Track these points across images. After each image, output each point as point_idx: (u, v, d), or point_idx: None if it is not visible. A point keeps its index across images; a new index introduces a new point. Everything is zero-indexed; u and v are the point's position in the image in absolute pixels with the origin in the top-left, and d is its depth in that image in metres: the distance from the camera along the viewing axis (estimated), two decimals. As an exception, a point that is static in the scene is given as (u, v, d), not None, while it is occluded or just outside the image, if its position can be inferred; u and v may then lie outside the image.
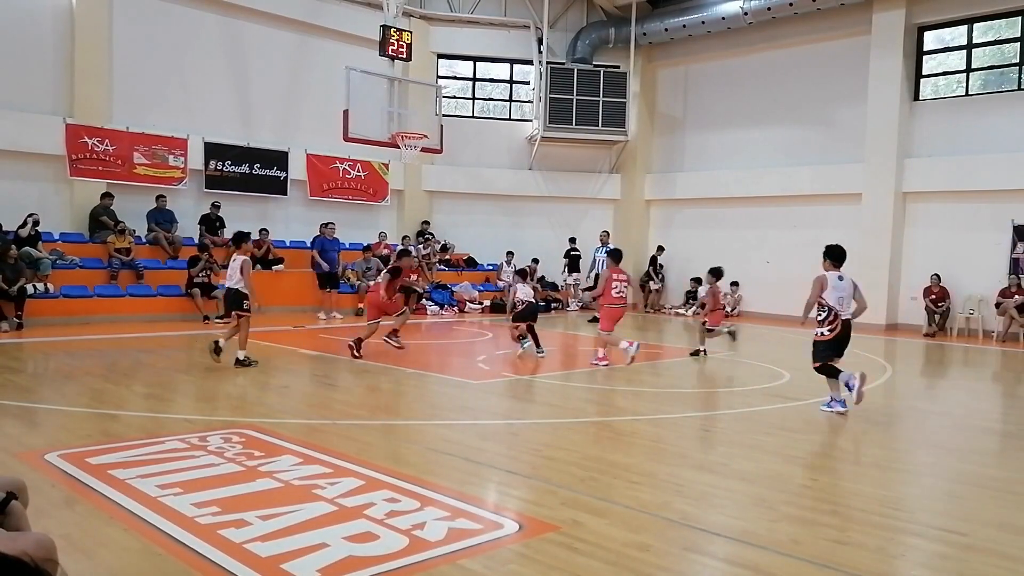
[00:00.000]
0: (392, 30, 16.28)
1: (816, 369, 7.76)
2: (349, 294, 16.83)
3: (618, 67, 20.70)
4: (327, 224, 16.78)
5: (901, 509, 4.81)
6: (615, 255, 11.21)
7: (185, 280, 14.39)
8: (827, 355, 7.70)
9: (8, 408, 6.86)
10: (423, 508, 4.40)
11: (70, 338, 11.46)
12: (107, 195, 15.19)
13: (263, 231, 16.80)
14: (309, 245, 17.09)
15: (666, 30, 20.07)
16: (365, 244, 18.06)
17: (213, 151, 16.88)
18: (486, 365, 10.41)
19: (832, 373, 7.64)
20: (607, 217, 21.55)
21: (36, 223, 13.68)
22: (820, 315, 7.81)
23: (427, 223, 20.46)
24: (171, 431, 6.09)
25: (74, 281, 13.63)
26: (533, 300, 11.76)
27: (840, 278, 7.75)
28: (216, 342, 9.40)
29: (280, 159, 17.89)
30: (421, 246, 19.41)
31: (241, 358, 9.48)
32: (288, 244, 17.69)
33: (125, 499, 4.41)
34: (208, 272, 14.53)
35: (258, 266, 16.39)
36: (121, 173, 15.51)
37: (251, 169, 17.47)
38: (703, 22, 19.23)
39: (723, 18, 18.80)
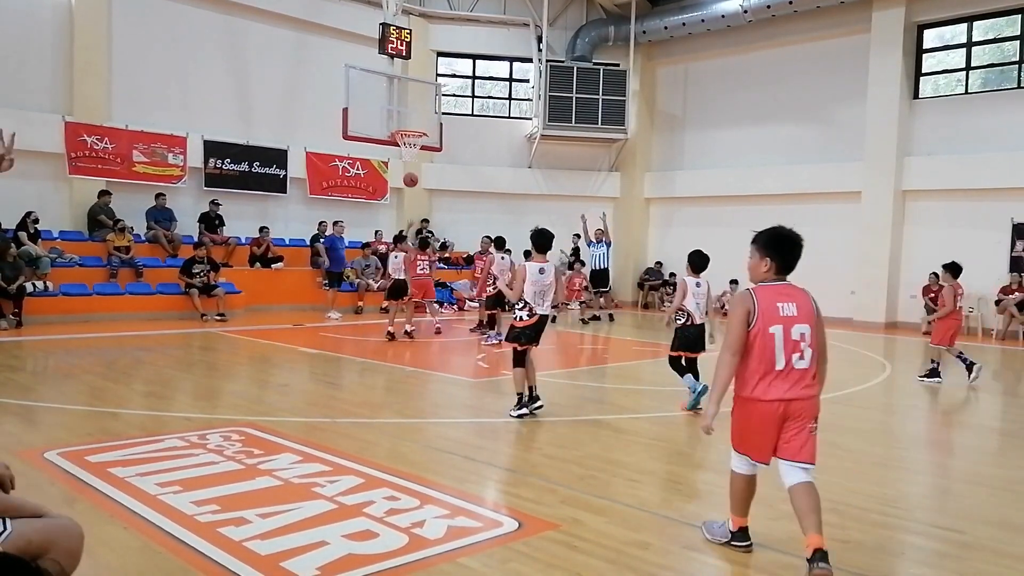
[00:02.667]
0: (392, 28, 16.26)
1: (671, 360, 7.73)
2: (348, 292, 16.82)
3: (618, 65, 20.69)
4: (336, 222, 16.75)
5: (900, 507, 4.81)
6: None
7: (183, 280, 14.38)
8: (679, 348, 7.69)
9: (8, 406, 6.86)
10: (423, 506, 4.40)
11: (69, 336, 11.46)
12: (106, 193, 15.17)
13: (263, 229, 16.80)
14: (309, 242, 17.05)
15: (666, 28, 20.06)
16: (364, 242, 18.05)
17: (212, 149, 16.87)
18: (485, 363, 10.41)
19: (680, 371, 7.59)
20: (607, 215, 21.50)
21: (35, 221, 13.66)
22: (679, 319, 7.90)
23: (426, 221, 20.45)
24: (171, 429, 6.09)
25: (73, 279, 13.62)
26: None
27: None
28: (406, 331, 11.92)
29: (279, 157, 17.88)
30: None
31: (409, 330, 12.05)
32: (288, 242, 17.68)
33: (125, 497, 4.41)
34: (206, 271, 14.50)
35: (257, 264, 16.41)
36: (120, 171, 15.50)
37: (250, 167, 17.46)
38: (703, 20, 19.21)
39: (723, 16, 18.79)
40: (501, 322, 12.29)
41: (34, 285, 12.77)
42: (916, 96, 17.31)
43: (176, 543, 3.80)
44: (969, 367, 9.79)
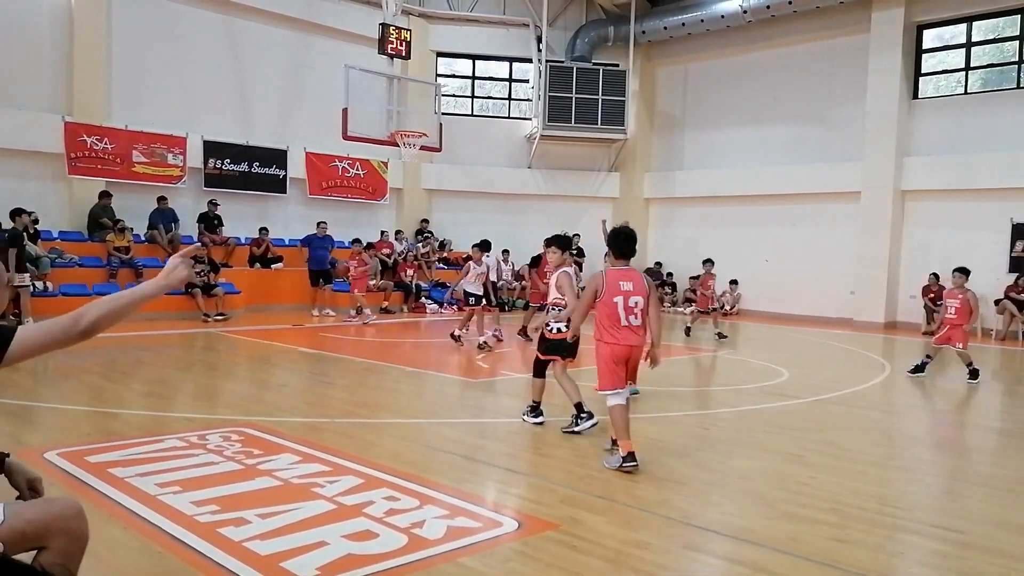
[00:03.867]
0: (391, 28, 16.26)
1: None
2: (347, 292, 16.80)
3: (617, 65, 20.70)
4: (319, 223, 16.75)
5: (900, 507, 4.81)
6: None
7: (184, 279, 14.37)
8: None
9: (6, 406, 6.86)
10: (422, 506, 4.40)
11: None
12: (106, 194, 15.18)
13: (262, 230, 16.80)
14: (301, 243, 17.05)
15: (665, 28, 20.06)
16: (367, 243, 18.03)
17: (212, 149, 16.86)
18: (485, 363, 10.40)
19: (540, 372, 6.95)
20: (606, 215, 21.49)
21: (35, 221, 13.66)
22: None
23: (426, 221, 20.45)
24: (170, 429, 6.09)
25: (73, 280, 13.62)
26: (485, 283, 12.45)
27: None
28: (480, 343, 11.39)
29: (279, 157, 17.88)
30: (420, 244, 19.41)
31: (482, 342, 11.46)
32: (287, 243, 17.68)
33: (124, 497, 4.41)
34: (206, 271, 14.50)
35: (257, 264, 16.41)
36: (120, 171, 15.50)
37: (250, 167, 17.46)
38: (702, 20, 19.22)
39: (722, 16, 18.80)
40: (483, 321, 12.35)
41: (34, 285, 12.76)
42: (916, 96, 17.31)
43: (176, 543, 3.80)
44: (974, 373, 9.83)
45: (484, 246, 12.41)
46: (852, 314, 17.54)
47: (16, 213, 12.70)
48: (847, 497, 4.88)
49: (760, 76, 19.50)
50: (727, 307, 19.38)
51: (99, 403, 7.29)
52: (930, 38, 17.35)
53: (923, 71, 17.37)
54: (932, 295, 16.27)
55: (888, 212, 17.16)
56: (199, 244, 14.98)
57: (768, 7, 17.89)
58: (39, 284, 12.92)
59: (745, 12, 18.29)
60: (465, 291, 12.27)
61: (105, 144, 15.26)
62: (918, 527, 4.45)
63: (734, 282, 19.52)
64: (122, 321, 2.42)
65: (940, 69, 17.35)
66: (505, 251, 19.65)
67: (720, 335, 13.86)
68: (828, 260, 18.08)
